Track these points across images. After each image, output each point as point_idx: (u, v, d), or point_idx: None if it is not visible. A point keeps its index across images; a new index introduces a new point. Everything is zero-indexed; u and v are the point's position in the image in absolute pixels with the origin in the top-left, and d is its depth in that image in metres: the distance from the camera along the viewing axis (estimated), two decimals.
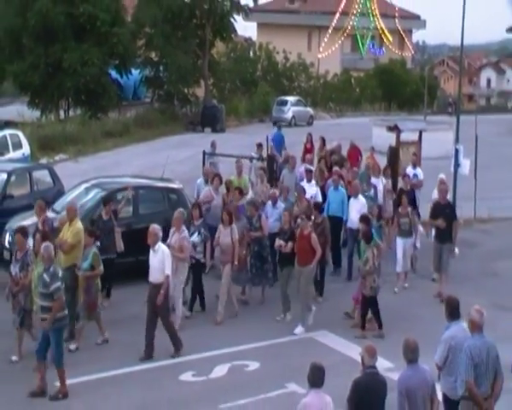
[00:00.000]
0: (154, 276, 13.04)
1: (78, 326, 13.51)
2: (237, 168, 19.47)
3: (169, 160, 23.61)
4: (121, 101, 47.69)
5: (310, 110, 51.59)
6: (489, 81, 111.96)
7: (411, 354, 8.85)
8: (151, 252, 13.13)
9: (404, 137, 22.48)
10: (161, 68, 47.98)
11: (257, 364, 13.06)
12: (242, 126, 46.64)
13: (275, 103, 50.88)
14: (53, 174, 20.97)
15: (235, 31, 52.65)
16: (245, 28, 61.66)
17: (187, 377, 12.54)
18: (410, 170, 20.29)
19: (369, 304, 14.35)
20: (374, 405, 8.65)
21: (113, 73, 45.34)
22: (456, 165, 21.91)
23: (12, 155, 25.78)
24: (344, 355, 13.08)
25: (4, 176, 19.57)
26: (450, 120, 29.59)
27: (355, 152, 23.24)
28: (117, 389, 12.08)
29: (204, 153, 22.84)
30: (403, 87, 65.93)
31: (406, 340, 9.17)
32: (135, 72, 48.07)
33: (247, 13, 51.79)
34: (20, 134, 27.86)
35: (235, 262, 14.94)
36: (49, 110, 43.96)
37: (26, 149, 27.02)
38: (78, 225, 14.20)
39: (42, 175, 20.88)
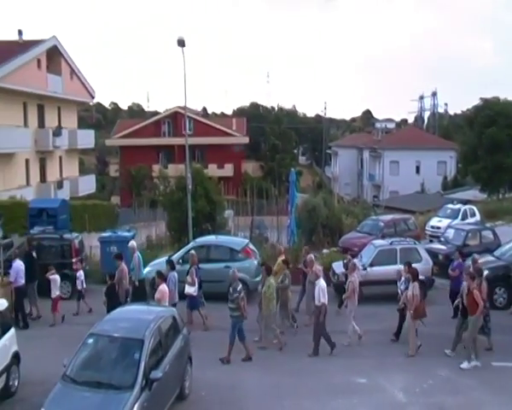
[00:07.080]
0: (315, 301, 12.47)
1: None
2: None
3: None
4: None
5: None
6: None
7: None
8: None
9: None
10: None
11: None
12: None
13: None
14: (494, 233, 21.09)
15: None
16: None
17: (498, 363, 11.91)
18: None
19: None
20: None
21: None
22: None
23: (469, 220, 26.37)
24: None
25: (464, 233, 20.76)
26: None
27: None
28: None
29: None
30: None
31: None
32: None
33: None
34: (474, 208, 28.39)
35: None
36: (493, 193, 43.37)
37: (477, 217, 27.50)
38: (280, 260, 14.50)
39: (487, 233, 21.14)
